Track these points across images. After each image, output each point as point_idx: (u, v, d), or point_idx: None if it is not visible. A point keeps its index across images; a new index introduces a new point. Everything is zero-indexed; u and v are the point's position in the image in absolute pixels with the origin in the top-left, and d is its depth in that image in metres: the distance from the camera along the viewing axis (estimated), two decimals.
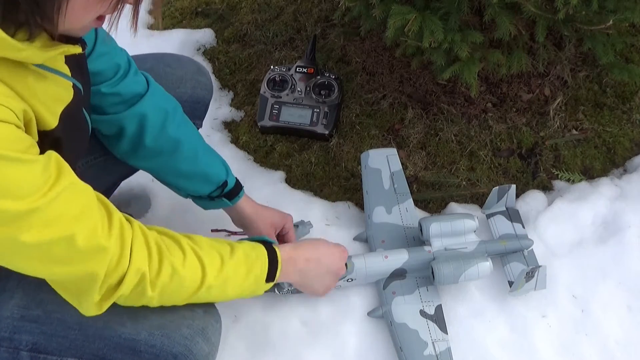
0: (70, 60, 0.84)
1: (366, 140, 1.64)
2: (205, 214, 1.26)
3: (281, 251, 1.07)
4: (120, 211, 0.86)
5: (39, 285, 0.81)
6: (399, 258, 1.28)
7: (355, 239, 1.41)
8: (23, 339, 0.91)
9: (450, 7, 1.31)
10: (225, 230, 1.30)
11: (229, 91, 1.82)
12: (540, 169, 1.58)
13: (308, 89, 1.68)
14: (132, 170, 1.27)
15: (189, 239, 0.95)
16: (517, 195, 1.48)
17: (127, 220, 0.87)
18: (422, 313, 1.24)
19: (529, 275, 1.22)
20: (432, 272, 1.24)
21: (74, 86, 0.86)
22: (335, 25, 1.87)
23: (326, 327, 1.25)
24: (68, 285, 0.82)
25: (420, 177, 1.58)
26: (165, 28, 1.94)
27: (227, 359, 1.21)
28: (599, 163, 1.59)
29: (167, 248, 0.90)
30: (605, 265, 1.34)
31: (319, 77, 1.70)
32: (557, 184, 1.55)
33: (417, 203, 1.47)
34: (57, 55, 0.75)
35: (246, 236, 1.26)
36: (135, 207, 1.52)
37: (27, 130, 0.73)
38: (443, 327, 1.23)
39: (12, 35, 0.66)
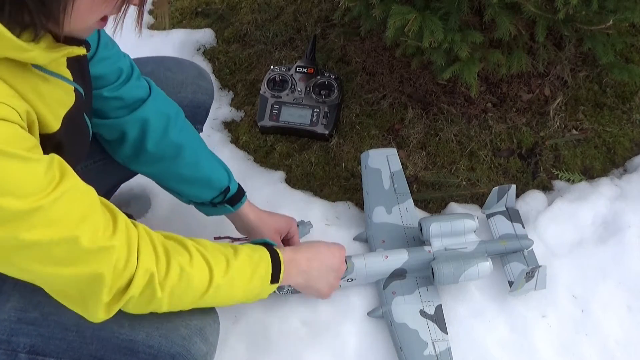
0: (71, 64, 0.85)
1: (366, 140, 1.64)
2: (205, 216, 1.26)
3: (282, 253, 1.07)
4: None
5: (36, 288, 0.81)
6: (399, 258, 1.28)
7: (355, 239, 1.41)
8: (21, 341, 0.91)
9: (450, 7, 1.31)
10: (228, 237, 1.29)
11: (229, 91, 1.82)
12: (540, 169, 1.58)
13: (308, 89, 1.68)
14: (132, 174, 1.26)
15: (193, 241, 0.95)
16: (517, 195, 1.48)
17: (132, 223, 0.87)
18: (422, 313, 1.24)
19: (529, 275, 1.22)
20: (432, 272, 1.24)
21: (76, 90, 0.86)
22: (335, 25, 1.88)
23: (326, 327, 1.25)
24: (71, 292, 0.81)
25: (420, 177, 1.58)
26: (165, 28, 1.94)
27: (227, 359, 1.21)
28: (599, 163, 1.59)
29: (174, 249, 0.90)
30: (605, 265, 1.34)
31: (319, 77, 1.70)
32: (557, 184, 1.55)
33: (417, 203, 1.47)
34: (61, 57, 0.75)
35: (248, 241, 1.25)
36: (135, 207, 1.52)
37: (30, 132, 0.73)
38: (443, 327, 1.23)
39: (18, 36, 0.66)
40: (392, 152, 1.51)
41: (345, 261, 1.22)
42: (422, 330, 1.22)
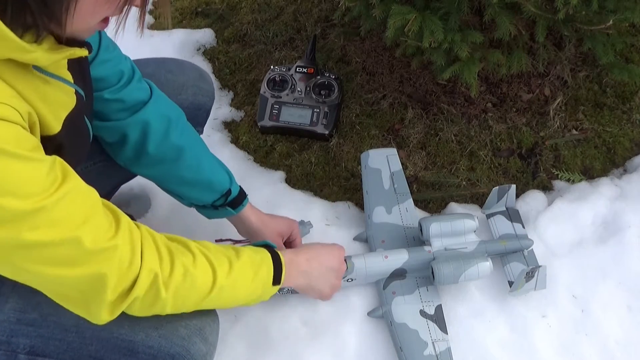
0: (72, 66, 0.85)
1: (366, 140, 1.64)
2: (206, 217, 1.25)
3: (283, 255, 1.08)
4: None
5: (35, 289, 0.81)
6: (399, 258, 1.28)
7: (355, 239, 1.41)
8: (20, 342, 0.90)
9: (450, 7, 1.31)
10: (229, 240, 1.29)
11: (229, 91, 1.82)
12: (540, 169, 1.57)
13: (308, 89, 1.68)
14: (132, 175, 1.26)
15: (196, 243, 0.95)
16: (517, 195, 1.48)
17: (135, 224, 0.87)
18: (422, 313, 1.24)
19: (529, 275, 1.22)
20: (432, 272, 1.24)
21: (77, 93, 0.86)
22: (335, 25, 1.88)
23: (326, 327, 1.25)
24: (72, 294, 0.80)
25: (420, 177, 1.58)
26: (166, 28, 1.94)
27: (227, 359, 1.21)
28: (599, 163, 1.59)
29: (177, 250, 0.90)
30: (605, 265, 1.34)
31: (319, 77, 1.70)
32: (557, 184, 1.55)
33: (417, 203, 1.47)
34: (63, 59, 0.75)
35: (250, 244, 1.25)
36: (135, 207, 1.52)
37: (31, 133, 0.73)
38: (443, 327, 1.23)
39: (20, 38, 0.66)
40: (392, 152, 1.51)
41: (345, 261, 1.22)
42: (422, 330, 1.22)
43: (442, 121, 1.66)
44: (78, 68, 0.87)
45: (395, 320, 1.23)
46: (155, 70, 1.22)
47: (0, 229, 0.68)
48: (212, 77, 1.83)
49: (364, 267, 1.26)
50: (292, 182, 1.59)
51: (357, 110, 1.70)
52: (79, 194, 0.77)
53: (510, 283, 1.29)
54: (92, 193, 0.80)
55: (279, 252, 1.07)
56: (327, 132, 1.63)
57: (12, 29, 0.64)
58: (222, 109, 1.76)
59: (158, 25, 1.95)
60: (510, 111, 1.67)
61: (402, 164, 1.50)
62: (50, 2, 0.65)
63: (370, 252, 1.32)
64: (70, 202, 0.74)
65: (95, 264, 0.77)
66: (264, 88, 1.70)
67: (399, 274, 1.29)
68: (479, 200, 1.52)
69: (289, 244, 1.29)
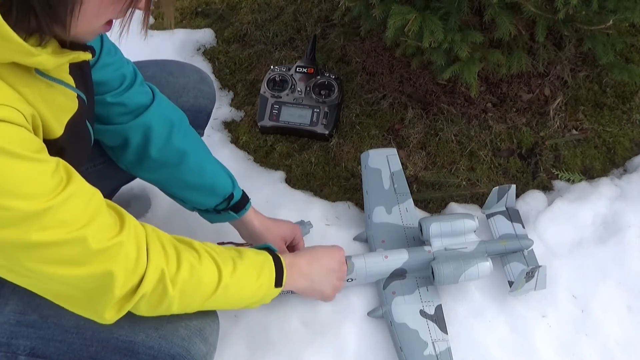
0: (74, 71, 0.85)
1: (366, 140, 1.64)
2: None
3: (283, 258, 1.08)
4: None
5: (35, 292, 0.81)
6: (399, 258, 1.28)
7: (355, 239, 1.41)
8: (21, 344, 0.91)
9: (450, 7, 1.31)
10: (231, 243, 1.29)
11: (229, 91, 1.82)
12: (540, 169, 1.58)
13: (308, 89, 1.68)
14: (132, 177, 1.26)
15: (200, 243, 0.96)
16: (517, 195, 1.48)
17: (140, 223, 0.87)
18: (422, 313, 1.24)
19: (529, 275, 1.22)
20: (432, 272, 1.24)
21: (78, 97, 0.86)
22: (335, 25, 1.88)
23: (326, 327, 1.25)
24: (77, 294, 0.80)
25: (420, 177, 1.58)
26: (166, 28, 1.95)
27: (227, 359, 1.21)
28: (599, 163, 1.59)
29: (183, 248, 0.91)
30: (605, 265, 1.34)
31: (319, 77, 1.70)
32: (557, 184, 1.55)
33: (417, 203, 1.47)
34: (67, 62, 0.75)
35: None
36: (135, 207, 1.52)
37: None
38: (443, 327, 1.23)
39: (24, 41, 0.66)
40: (392, 152, 1.51)
41: (345, 261, 1.22)
42: (422, 330, 1.22)
43: (442, 121, 1.66)
44: (80, 72, 0.87)
45: (395, 320, 1.23)
46: (156, 72, 1.22)
47: (7, 230, 0.68)
48: (212, 77, 1.83)
49: (364, 267, 1.26)
50: (292, 182, 1.59)
51: (357, 110, 1.70)
52: (84, 194, 0.77)
53: (510, 283, 1.29)
54: (96, 193, 0.80)
55: (280, 255, 1.08)
56: (327, 132, 1.63)
57: (16, 32, 0.64)
58: (222, 109, 1.76)
59: (158, 25, 1.95)
60: (510, 111, 1.67)
61: (402, 164, 1.50)
62: (54, 4, 0.65)
63: (370, 252, 1.32)
64: (76, 202, 0.74)
65: (102, 262, 0.77)
66: (264, 88, 1.70)
67: (399, 274, 1.29)
68: (479, 200, 1.52)
69: (291, 248, 1.29)
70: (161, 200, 1.48)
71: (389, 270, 1.28)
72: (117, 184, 1.32)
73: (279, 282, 1.04)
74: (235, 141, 1.69)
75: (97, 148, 1.12)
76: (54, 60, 0.71)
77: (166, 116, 1.10)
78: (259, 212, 1.25)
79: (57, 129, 0.79)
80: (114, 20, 0.75)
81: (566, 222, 1.41)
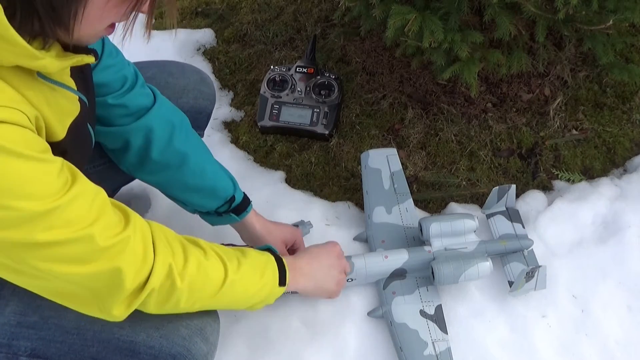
0: (75, 73, 0.85)
1: (366, 140, 1.64)
2: None
3: (285, 259, 1.09)
4: None
5: (35, 293, 0.81)
6: (399, 258, 1.28)
7: (355, 239, 1.41)
8: (21, 345, 0.91)
9: (450, 7, 1.31)
10: (231, 244, 1.29)
11: (229, 91, 1.82)
12: (540, 169, 1.58)
13: (308, 89, 1.68)
14: (132, 177, 1.26)
15: (204, 241, 0.97)
16: (517, 195, 1.48)
17: (145, 221, 0.88)
18: (422, 313, 1.24)
19: (529, 275, 1.22)
20: (432, 272, 1.24)
21: (80, 100, 0.86)
22: (335, 25, 1.88)
23: (326, 327, 1.25)
24: (84, 293, 0.80)
25: (420, 177, 1.58)
26: (166, 28, 1.95)
27: (228, 359, 1.21)
28: (599, 163, 1.59)
29: (188, 244, 0.92)
30: (605, 265, 1.34)
31: (319, 77, 1.70)
32: (557, 184, 1.55)
33: (417, 203, 1.47)
34: (70, 65, 0.75)
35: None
36: (135, 207, 1.52)
37: None
38: (443, 327, 1.23)
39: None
40: (392, 152, 1.51)
41: (343, 254, 1.22)
42: (422, 330, 1.22)
43: (442, 121, 1.66)
44: (81, 75, 0.88)
45: (395, 320, 1.23)
46: (155, 73, 1.23)
47: (14, 230, 0.69)
48: (212, 77, 1.83)
49: (364, 267, 1.26)
50: (292, 182, 1.59)
51: (357, 110, 1.70)
52: (89, 194, 0.77)
53: (510, 283, 1.29)
54: (100, 192, 0.81)
55: (281, 256, 1.08)
56: (327, 132, 1.63)
57: (20, 36, 0.65)
58: (222, 109, 1.76)
59: (158, 25, 1.94)
60: (510, 111, 1.67)
61: (402, 164, 1.50)
62: (58, 7, 0.65)
63: (370, 252, 1.32)
64: (82, 201, 0.75)
65: (109, 259, 0.77)
66: (264, 88, 1.70)
67: (399, 274, 1.29)
68: (479, 200, 1.52)
69: (292, 251, 1.29)
70: (161, 200, 1.48)
71: (389, 270, 1.28)
72: (117, 185, 1.32)
73: (282, 282, 1.04)
74: (235, 141, 1.69)
75: (97, 149, 1.12)
76: (57, 64, 0.72)
77: (167, 118, 1.10)
78: (260, 215, 1.25)
79: (60, 132, 0.79)
80: (116, 24, 0.75)
81: (566, 222, 1.41)
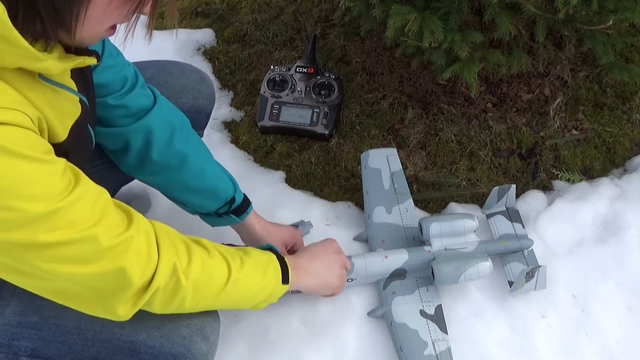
0: (75, 75, 0.85)
1: (366, 140, 1.64)
2: None
3: (286, 258, 1.09)
4: None
5: (35, 294, 0.81)
6: (399, 258, 1.28)
7: (355, 239, 1.41)
8: (22, 345, 0.91)
9: (450, 7, 1.31)
10: (231, 245, 1.29)
11: (229, 91, 1.82)
12: (540, 169, 1.58)
13: (308, 89, 1.68)
14: (132, 177, 1.27)
15: (206, 240, 0.97)
16: (517, 195, 1.48)
17: (149, 220, 0.88)
18: (422, 313, 1.24)
19: (529, 275, 1.22)
20: (432, 272, 1.24)
21: (81, 101, 0.86)
22: (335, 25, 1.88)
23: (326, 327, 1.25)
24: (88, 293, 0.80)
25: (420, 177, 1.58)
26: (166, 28, 1.95)
27: (228, 359, 1.21)
28: (599, 163, 1.59)
29: (191, 243, 0.92)
30: (605, 265, 1.34)
31: (319, 77, 1.70)
32: (557, 184, 1.55)
33: (417, 203, 1.47)
34: (72, 67, 0.75)
35: None
36: (135, 207, 1.48)
37: None
38: (443, 327, 1.23)
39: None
40: (392, 152, 1.51)
41: (341, 249, 1.22)
42: (422, 330, 1.22)
43: (442, 121, 1.66)
44: (81, 76, 0.88)
45: (395, 320, 1.23)
46: (155, 73, 1.22)
47: (18, 231, 0.69)
48: (212, 77, 1.83)
49: (364, 267, 1.26)
50: (292, 182, 1.59)
51: (357, 110, 1.70)
52: (92, 194, 0.78)
53: (510, 283, 1.29)
54: (103, 192, 0.81)
55: (282, 255, 1.09)
56: (327, 132, 1.63)
57: (23, 37, 0.65)
58: (222, 109, 1.76)
59: (158, 25, 1.94)
60: (510, 111, 1.67)
61: (402, 164, 1.50)
62: (60, 9, 0.65)
63: (370, 252, 1.32)
64: (85, 202, 0.75)
65: (113, 259, 0.78)
66: (264, 88, 1.70)
67: (399, 274, 1.29)
68: (479, 200, 1.52)
69: (292, 252, 1.29)
70: (161, 200, 1.48)
71: (389, 270, 1.28)
72: (117, 185, 1.32)
73: (285, 280, 1.04)
74: (235, 141, 1.69)
75: (96, 149, 1.12)
76: (60, 66, 0.72)
77: (168, 119, 1.10)
78: (260, 216, 1.25)
79: (62, 133, 0.79)
80: (118, 25, 0.75)
81: (566, 222, 1.41)
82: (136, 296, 0.82)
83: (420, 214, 1.47)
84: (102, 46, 1.01)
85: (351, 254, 1.28)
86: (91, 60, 0.77)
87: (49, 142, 0.76)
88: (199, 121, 1.30)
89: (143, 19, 0.76)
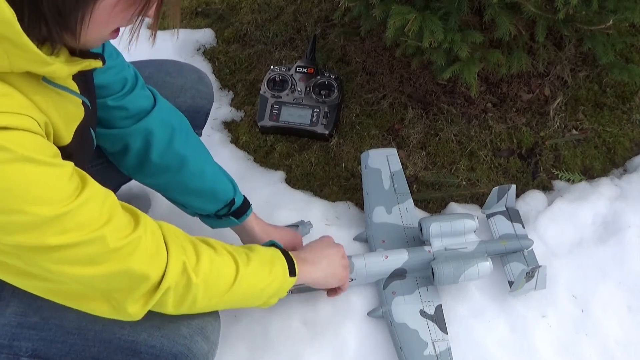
0: (77, 77, 0.85)
1: (366, 140, 1.64)
2: None
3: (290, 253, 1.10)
4: None
5: (35, 294, 0.81)
6: (399, 258, 1.28)
7: (355, 239, 1.41)
8: (22, 345, 0.91)
9: (450, 7, 1.31)
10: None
11: (229, 91, 1.82)
12: (540, 169, 1.58)
13: (308, 89, 1.68)
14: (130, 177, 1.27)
15: (211, 239, 0.98)
16: (517, 195, 1.48)
17: (155, 221, 0.88)
18: (422, 313, 1.24)
19: (529, 275, 1.22)
20: (432, 272, 1.24)
21: (83, 103, 0.87)
22: (335, 25, 1.88)
23: (326, 327, 1.25)
24: (95, 294, 0.81)
25: (420, 177, 1.58)
26: (165, 28, 1.95)
27: (228, 359, 1.21)
28: (599, 163, 1.59)
29: (198, 242, 0.93)
30: (605, 265, 1.34)
31: (319, 77, 1.70)
32: (557, 184, 1.55)
33: (417, 203, 1.47)
34: (77, 71, 0.76)
35: None
36: (134, 206, 1.52)
37: None
38: (443, 327, 1.23)
39: None
40: (392, 152, 1.51)
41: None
42: (422, 330, 1.22)
43: (442, 121, 1.66)
44: (83, 78, 0.88)
45: (395, 320, 1.23)
46: (153, 72, 1.22)
47: (27, 234, 0.69)
48: (212, 77, 1.83)
49: (364, 267, 1.26)
50: (292, 182, 1.59)
51: (357, 110, 1.70)
52: (100, 196, 0.78)
53: (510, 283, 1.29)
54: (110, 194, 0.81)
55: (286, 250, 1.09)
56: (327, 132, 1.63)
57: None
58: (222, 109, 1.76)
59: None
60: (510, 111, 1.67)
61: (402, 164, 1.50)
62: (65, 12, 0.65)
63: (370, 252, 1.32)
64: (92, 204, 0.75)
65: (121, 260, 0.78)
66: (264, 88, 1.70)
67: (399, 274, 1.29)
68: (479, 200, 1.52)
69: None
70: (161, 201, 1.47)
71: (389, 270, 1.28)
72: (116, 184, 1.32)
73: (292, 272, 1.05)
74: (235, 141, 1.69)
75: (95, 150, 1.12)
76: (67, 69, 0.72)
77: (167, 121, 1.10)
78: (260, 219, 1.25)
79: (67, 137, 0.80)
80: (123, 28, 0.75)
81: (566, 222, 1.41)
82: (147, 296, 0.83)
83: (420, 214, 1.47)
84: (102, 47, 1.01)
85: (351, 254, 1.28)
86: (97, 63, 0.78)
87: (55, 145, 0.76)
88: (198, 120, 1.30)
89: (146, 21, 0.76)
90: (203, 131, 1.37)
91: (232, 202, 1.17)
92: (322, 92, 1.67)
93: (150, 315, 0.90)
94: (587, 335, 1.26)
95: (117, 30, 0.75)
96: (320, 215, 1.46)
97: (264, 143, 1.68)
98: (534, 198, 1.49)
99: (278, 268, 1.03)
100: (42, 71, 0.69)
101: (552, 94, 1.69)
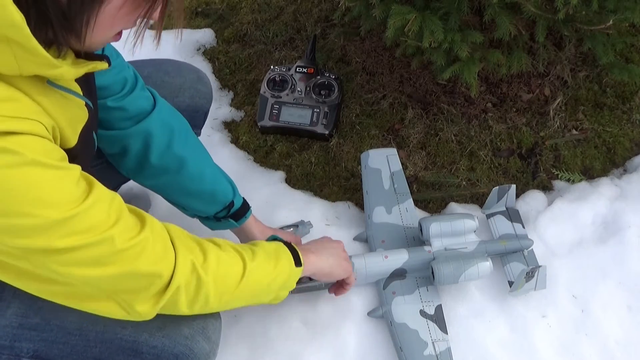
0: (79, 79, 0.85)
1: (366, 140, 1.64)
2: None
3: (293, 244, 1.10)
4: None
5: (36, 295, 0.81)
6: (399, 258, 1.28)
7: (355, 239, 1.41)
8: (24, 346, 0.91)
9: (450, 7, 1.31)
10: None
11: (229, 91, 1.82)
12: (540, 169, 1.58)
13: (308, 89, 1.68)
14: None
15: (215, 238, 0.98)
16: (517, 195, 1.48)
17: (161, 222, 0.88)
18: (422, 313, 1.25)
19: (529, 275, 1.22)
20: (432, 272, 1.24)
21: (87, 105, 0.87)
22: (335, 25, 1.88)
23: (326, 327, 1.25)
24: (102, 295, 0.81)
25: (420, 177, 1.58)
26: (166, 28, 1.94)
27: (228, 359, 1.21)
28: (599, 163, 1.59)
29: (204, 241, 0.93)
30: (605, 265, 1.34)
31: (319, 77, 1.70)
32: (557, 184, 1.55)
33: (417, 203, 1.47)
34: (83, 73, 0.76)
35: None
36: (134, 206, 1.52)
37: None
38: (443, 327, 1.23)
39: None
40: (392, 152, 1.51)
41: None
42: (422, 330, 1.22)
43: (442, 121, 1.66)
44: (85, 80, 0.88)
45: (395, 320, 1.23)
46: (152, 72, 1.22)
47: (35, 237, 0.70)
48: (212, 77, 1.83)
49: (364, 267, 1.26)
50: (292, 182, 1.59)
51: (357, 110, 1.70)
52: (106, 198, 0.78)
53: (510, 283, 1.29)
54: (116, 196, 0.81)
55: (290, 243, 1.09)
56: (327, 132, 1.63)
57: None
58: (222, 109, 1.76)
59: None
60: (510, 111, 1.67)
61: (402, 164, 1.50)
62: (70, 15, 0.66)
63: (370, 252, 1.32)
64: (100, 207, 0.76)
65: (128, 261, 0.78)
66: (264, 88, 1.70)
67: (399, 274, 1.29)
68: (479, 200, 1.52)
69: None
70: (161, 201, 1.47)
71: (389, 270, 1.28)
72: (115, 184, 1.32)
73: (297, 262, 1.05)
74: (235, 141, 1.69)
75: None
76: (74, 72, 0.72)
77: (167, 122, 1.10)
78: (259, 221, 1.25)
79: (73, 139, 0.80)
80: (129, 30, 0.76)
81: (566, 222, 1.41)
82: (157, 296, 0.83)
83: (420, 214, 1.47)
84: (103, 48, 1.01)
85: (351, 254, 1.28)
86: (103, 65, 0.78)
87: (61, 148, 0.76)
88: (197, 120, 1.30)
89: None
90: (203, 131, 1.37)
91: (231, 204, 1.17)
92: (322, 92, 1.67)
93: None
94: (587, 335, 1.26)
95: (119, 33, 0.75)
96: (320, 215, 1.46)
97: (264, 143, 1.68)
98: (534, 198, 1.49)
99: (284, 259, 1.03)
100: (50, 74, 0.70)
101: (552, 94, 1.69)
